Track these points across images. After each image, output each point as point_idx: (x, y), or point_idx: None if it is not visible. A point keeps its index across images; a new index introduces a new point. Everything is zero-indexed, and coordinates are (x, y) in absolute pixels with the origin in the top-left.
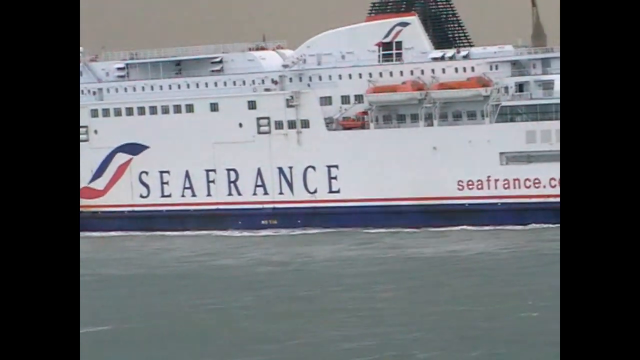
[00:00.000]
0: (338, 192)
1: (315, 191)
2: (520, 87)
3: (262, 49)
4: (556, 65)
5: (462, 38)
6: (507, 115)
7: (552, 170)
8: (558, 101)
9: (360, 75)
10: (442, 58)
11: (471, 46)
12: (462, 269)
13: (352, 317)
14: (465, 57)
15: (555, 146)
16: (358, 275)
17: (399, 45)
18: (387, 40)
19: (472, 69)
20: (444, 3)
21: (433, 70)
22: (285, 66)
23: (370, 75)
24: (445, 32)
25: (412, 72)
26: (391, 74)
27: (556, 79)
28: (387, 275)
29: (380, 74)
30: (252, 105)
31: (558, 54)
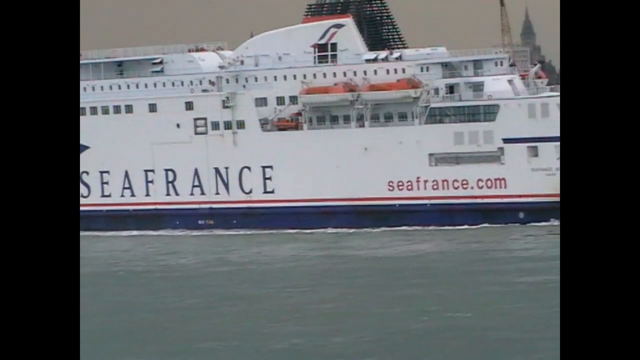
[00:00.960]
0: (272, 192)
1: (250, 191)
2: (451, 89)
3: (202, 50)
4: (489, 67)
5: (396, 40)
6: (436, 116)
7: (480, 171)
8: (487, 103)
9: (294, 77)
10: (375, 60)
11: (405, 48)
12: (391, 270)
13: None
14: (398, 58)
15: (483, 147)
16: (286, 276)
17: (334, 47)
18: (323, 41)
19: (403, 70)
20: (379, 6)
21: (365, 72)
22: (222, 67)
23: (305, 76)
24: (380, 34)
25: (345, 74)
26: (325, 75)
27: (486, 80)
28: (331, 275)
29: (314, 76)
30: (189, 106)
31: (490, 56)
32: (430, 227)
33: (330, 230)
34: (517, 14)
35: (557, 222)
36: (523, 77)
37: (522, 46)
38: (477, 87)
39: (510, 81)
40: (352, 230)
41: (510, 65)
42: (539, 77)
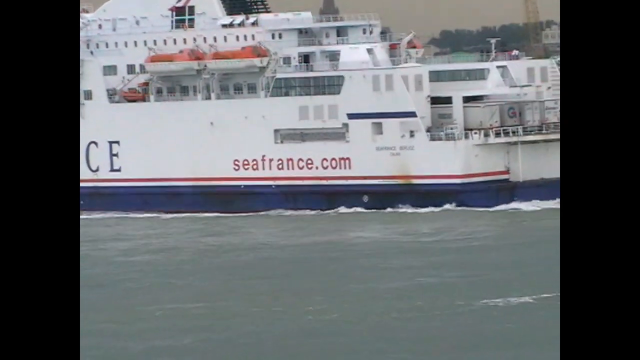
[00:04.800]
0: (119, 170)
1: (97, 169)
2: (306, 58)
3: None
4: (355, 35)
5: (258, 4)
6: (282, 88)
7: (325, 150)
8: (332, 74)
9: (145, 43)
10: (232, 25)
11: (268, 12)
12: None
13: None
14: (254, 24)
15: (328, 123)
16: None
17: (191, 10)
18: (180, 4)
19: (253, 37)
20: None
21: (215, 39)
22: None
23: (155, 42)
24: None
25: (195, 40)
26: (175, 41)
27: (342, 49)
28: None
29: (165, 42)
30: None
31: (356, 23)
32: (274, 212)
33: (178, 214)
34: None
35: (403, 209)
36: (393, 47)
37: None
38: (333, 57)
39: (369, 50)
40: (200, 215)
41: (382, 33)
42: (413, 47)
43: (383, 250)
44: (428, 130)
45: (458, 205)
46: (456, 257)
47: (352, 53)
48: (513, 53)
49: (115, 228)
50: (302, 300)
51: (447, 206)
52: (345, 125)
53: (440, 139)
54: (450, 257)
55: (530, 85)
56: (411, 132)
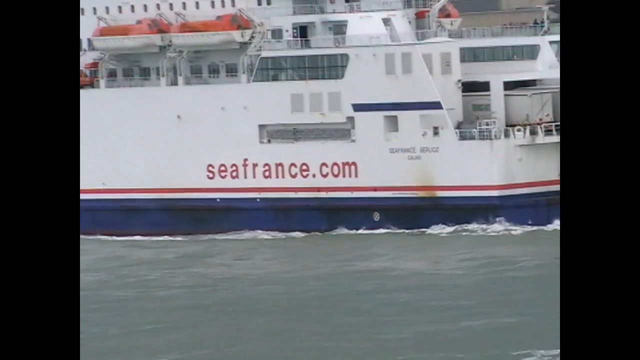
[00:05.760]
0: None
1: None
2: (303, 31)
3: None
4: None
5: None
6: (268, 70)
7: (324, 152)
8: (332, 52)
9: (94, 11)
10: None
11: None
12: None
13: None
14: None
15: (328, 117)
16: None
17: None
18: None
19: (233, 2)
20: None
21: (184, 5)
22: None
23: (108, 10)
24: None
25: (158, 7)
26: (133, 8)
27: (350, 19)
28: None
29: (120, 9)
30: None
31: None
32: (261, 233)
33: (137, 237)
34: None
35: (431, 231)
36: (421, 16)
37: None
38: (338, 29)
39: (386, 20)
40: (162, 238)
41: None
42: (447, 16)
43: (412, 284)
44: (458, 127)
45: (496, 225)
46: (500, 295)
47: (363, 24)
48: None
49: None
50: None
51: (482, 226)
52: (350, 119)
53: (472, 138)
54: (494, 294)
55: None
56: (435, 128)
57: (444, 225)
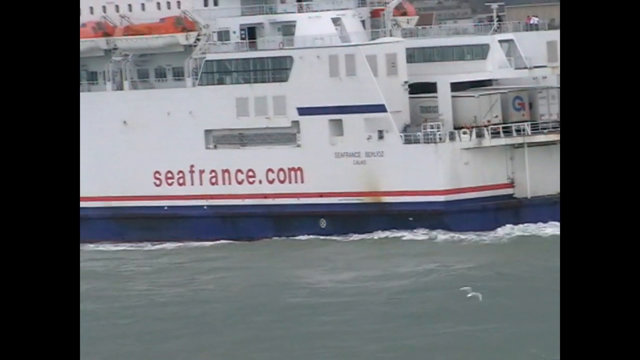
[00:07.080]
0: None
1: None
2: (251, 33)
3: None
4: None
5: None
6: (213, 74)
7: (269, 158)
8: (276, 54)
9: None
10: None
11: None
12: None
13: None
14: None
15: (274, 121)
16: None
17: None
18: None
19: (179, 4)
20: None
21: (130, 7)
22: None
23: None
24: None
25: (104, 9)
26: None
27: (299, 20)
28: None
29: None
30: None
31: None
32: (208, 242)
33: (88, 246)
34: None
35: (377, 235)
36: (375, 15)
37: None
38: (287, 30)
39: (336, 20)
40: (113, 247)
41: None
42: (404, 14)
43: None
44: (405, 130)
45: (442, 231)
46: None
47: (312, 24)
48: (532, 21)
49: None
50: None
51: (426, 231)
52: (296, 123)
53: (417, 142)
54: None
55: (545, 67)
56: (380, 132)
57: (388, 232)
